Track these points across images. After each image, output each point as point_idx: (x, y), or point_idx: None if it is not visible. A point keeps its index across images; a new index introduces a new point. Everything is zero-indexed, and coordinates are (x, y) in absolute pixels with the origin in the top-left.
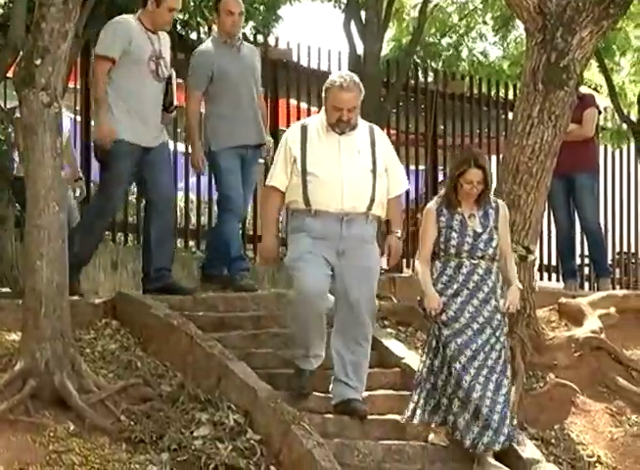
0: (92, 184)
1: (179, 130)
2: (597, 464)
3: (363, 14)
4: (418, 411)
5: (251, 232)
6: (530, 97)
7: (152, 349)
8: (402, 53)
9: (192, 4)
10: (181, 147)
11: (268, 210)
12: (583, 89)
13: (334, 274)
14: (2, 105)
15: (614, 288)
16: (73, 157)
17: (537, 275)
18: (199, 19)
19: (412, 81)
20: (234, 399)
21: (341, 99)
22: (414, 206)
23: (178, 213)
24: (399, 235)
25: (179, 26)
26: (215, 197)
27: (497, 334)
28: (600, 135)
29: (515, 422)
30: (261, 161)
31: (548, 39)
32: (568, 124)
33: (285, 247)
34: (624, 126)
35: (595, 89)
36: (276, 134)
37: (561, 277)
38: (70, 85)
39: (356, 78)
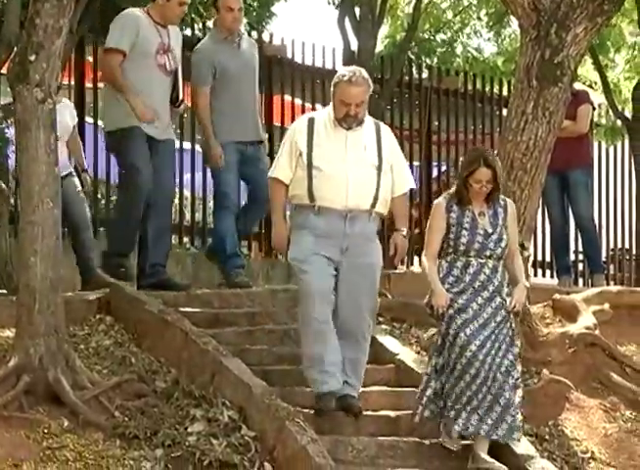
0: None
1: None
2: (591, 460)
3: (357, 10)
4: (426, 413)
5: None
6: (525, 93)
7: (146, 345)
8: (396, 49)
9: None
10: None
11: (275, 198)
12: (577, 86)
13: (337, 272)
14: None
15: (608, 284)
16: (80, 149)
17: (531, 271)
18: (193, 15)
19: (406, 77)
20: (228, 395)
21: (349, 93)
22: (408, 202)
23: (172, 210)
24: (405, 234)
25: None
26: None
27: (501, 327)
28: (594, 132)
29: (520, 418)
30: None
31: (542, 36)
32: (562, 121)
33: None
34: (619, 123)
35: (589, 86)
36: (270, 130)
37: (555, 273)
38: (64, 82)
39: (365, 73)
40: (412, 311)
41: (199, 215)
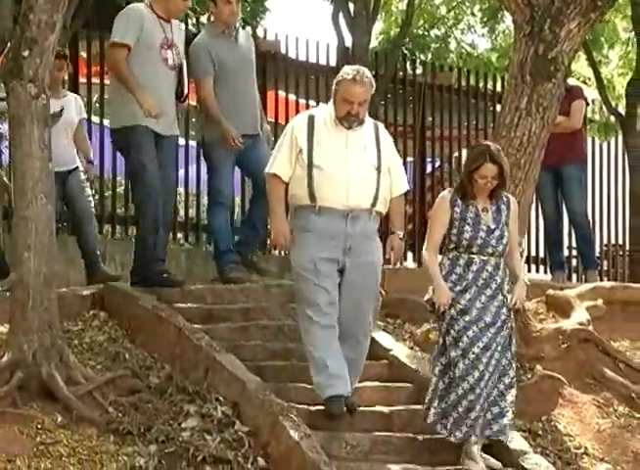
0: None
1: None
2: (584, 455)
3: (352, 6)
4: (436, 416)
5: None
6: (518, 89)
7: (140, 340)
8: (391, 45)
9: None
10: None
11: (273, 194)
12: (571, 81)
13: (341, 272)
14: None
15: (601, 280)
16: (86, 141)
17: (525, 267)
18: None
19: (400, 73)
20: (222, 390)
21: (353, 92)
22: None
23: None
24: (401, 236)
25: None
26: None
27: (505, 327)
28: (588, 127)
29: (510, 416)
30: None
31: (536, 31)
32: (555, 116)
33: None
34: (612, 119)
35: (583, 82)
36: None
37: (548, 269)
38: None
39: (368, 73)
40: (406, 307)
41: (192, 212)
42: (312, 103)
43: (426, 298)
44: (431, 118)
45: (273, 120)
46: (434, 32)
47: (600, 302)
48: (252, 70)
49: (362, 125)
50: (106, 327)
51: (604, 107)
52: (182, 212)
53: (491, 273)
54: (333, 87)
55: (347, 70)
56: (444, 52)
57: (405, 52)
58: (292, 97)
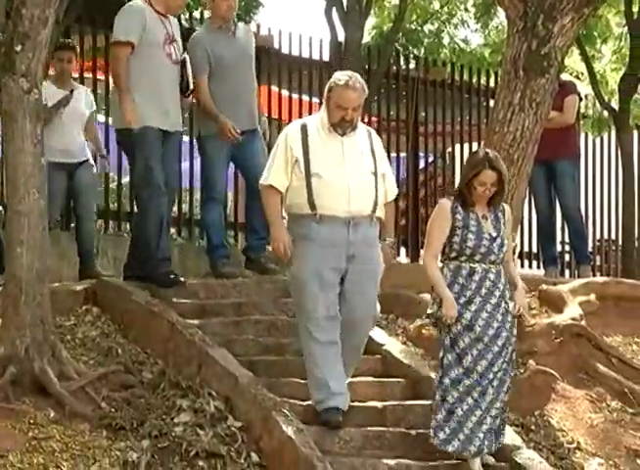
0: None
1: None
2: (577, 450)
3: (345, 1)
4: (442, 435)
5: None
6: (511, 84)
7: (132, 335)
8: (384, 40)
9: None
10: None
11: (271, 205)
12: (564, 76)
13: (342, 280)
14: None
15: (594, 275)
16: (97, 133)
17: (518, 262)
18: None
19: (393, 68)
20: (215, 385)
21: (347, 98)
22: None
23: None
24: (390, 243)
25: None
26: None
27: (511, 336)
28: (581, 123)
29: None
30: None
31: (529, 26)
32: (548, 112)
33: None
34: (605, 114)
35: (576, 77)
36: None
37: (541, 264)
38: (50, 72)
39: (360, 78)
40: (399, 302)
41: (185, 207)
42: (305, 98)
43: (429, 311)
44: (424, 114)
45: (266, 116)
46: (427, 28)
47: (593, 297)
48: (251, 65)
49: (355, 131)
50: (98, 322)
51: (597, 102)
52: (175, 208)
53: (494, 281)
54: (325, 94)
55: (339, 77)
56: (437, 47)
57: (398, 47)
58: (284, 92)
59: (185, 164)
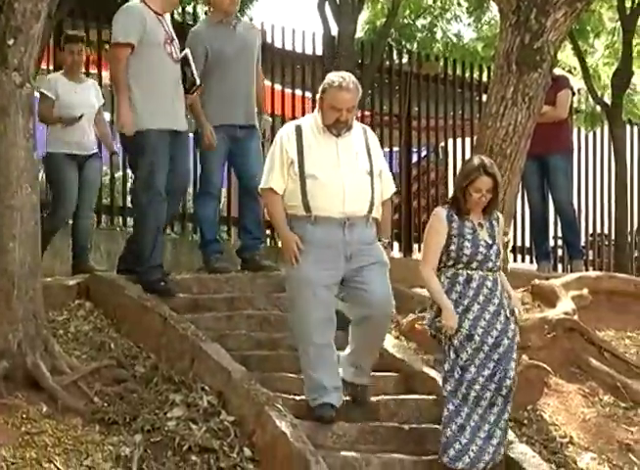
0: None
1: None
2: (569, 445)
3: None
4: (453, 451)
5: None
6: (504, 79)
7: (125, 330)
8: (377, 35)
9: None
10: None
11: (275, 209)
12: (557, 71)
13: (343, 282)
14: None
15: (587, 270)
16: (107, 131)
17: (511, 257)
18: None
19: (386, 63)
20: (208, 380)
21: (341, 98)
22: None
23: None
24: (387, 243)
25: None
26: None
27: (514, 344)
28: (574, 117)
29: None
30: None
31: (522, 21)
32: (541, 106)
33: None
34: (598, 109)
35: (569, 71)
36: None
37: (534, 259)
38: (43, 66)
39: (354, 78)
40: (395, 298)
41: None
42: (298, 92)
43: (427, 322)
44: (417, 108)
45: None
46: (420, 22)
47: (585, 291)
48: (253, 60)
49: (350, 131)
50: (91, 317)
51: (590, 97)
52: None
53: (491, 289)
54: (318, 95)
55: (333, 78)
56: (430, 42)
57: (391, 41)
58: (277, 86)
59: None
